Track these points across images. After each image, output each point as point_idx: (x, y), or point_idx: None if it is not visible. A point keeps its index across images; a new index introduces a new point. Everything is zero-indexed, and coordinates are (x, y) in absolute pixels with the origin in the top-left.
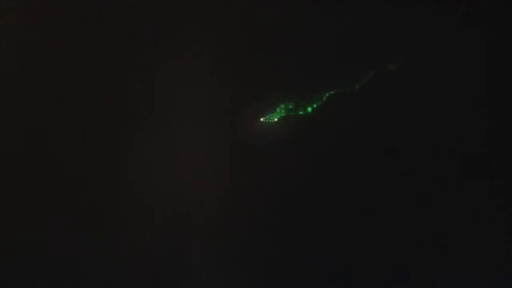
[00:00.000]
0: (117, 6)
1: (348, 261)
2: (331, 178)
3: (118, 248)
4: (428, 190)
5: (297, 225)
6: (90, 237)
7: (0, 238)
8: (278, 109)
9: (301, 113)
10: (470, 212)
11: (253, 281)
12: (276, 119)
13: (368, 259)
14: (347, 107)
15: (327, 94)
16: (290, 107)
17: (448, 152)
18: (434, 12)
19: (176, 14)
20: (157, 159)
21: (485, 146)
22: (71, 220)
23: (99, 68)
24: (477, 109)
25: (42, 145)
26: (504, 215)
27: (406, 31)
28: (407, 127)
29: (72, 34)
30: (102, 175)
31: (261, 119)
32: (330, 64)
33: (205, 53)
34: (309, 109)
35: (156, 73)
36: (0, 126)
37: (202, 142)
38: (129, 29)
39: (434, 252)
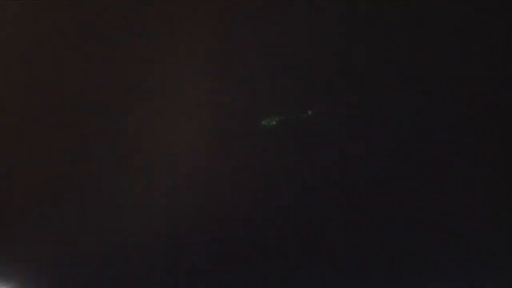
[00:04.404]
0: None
1: (347, 261)
2: (332, 179)
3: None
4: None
5: (297, 226)
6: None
7: None
8: (277, 112)
9: (301, 115)
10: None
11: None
12: (275, 122)
13: (367, 260)
14: (347, 108)
15: (326, 96)
16: (290, 110)
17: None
18: None
19: (177, 14)
20: (156, 161)
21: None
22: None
23: (100, 68)
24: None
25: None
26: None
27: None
28: (412, 127)
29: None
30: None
31: (262, 122)
32: (330, 66)
33: (205, 56)
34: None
35: (154, 75)
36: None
37: (202, 146)
38: (127, 27)
39: (436, 253)
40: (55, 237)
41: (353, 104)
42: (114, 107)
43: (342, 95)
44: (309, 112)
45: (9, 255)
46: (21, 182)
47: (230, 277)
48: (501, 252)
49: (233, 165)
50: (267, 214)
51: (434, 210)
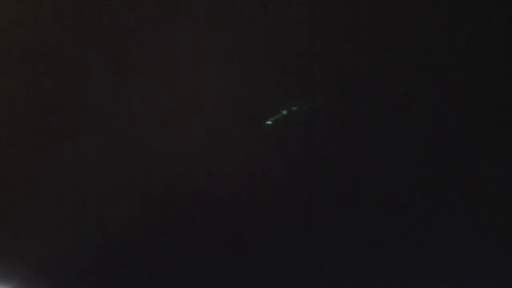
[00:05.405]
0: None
1: (346, 263)
2: (337, 178)
3: None
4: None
5: (298, 226)
6: None
7: None
8: (283, 111)
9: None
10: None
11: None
12: (280, 121)
13: (366, 260)
14: (351, 106)
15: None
16: (295, 109)
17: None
18: None
19: (179, 13)
20: (158, 161)
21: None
22: None
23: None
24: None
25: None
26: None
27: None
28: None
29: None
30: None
31: (266, 122)
32: (335, 63)
33: (208, 55)
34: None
35: (156, 75)
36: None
37: (205, 146)
38: (129, 28)
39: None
40: (55, 237)
41: (354, 103)
42: (114, 107)
43: (343, 94)
44: (306, 107)
45: (9, 255)
46: (21, 181)
47: (229, 277)
48: (501, 253)
49: (234, 165)
50: (268, 214)
51: (436, 210)
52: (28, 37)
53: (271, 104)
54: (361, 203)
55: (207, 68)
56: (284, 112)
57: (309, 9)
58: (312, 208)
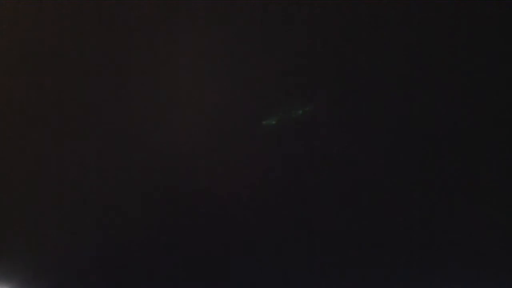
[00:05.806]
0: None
1: (346, 263)
2: (337, 178)
3: None
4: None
5: (298, 226)
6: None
7: None
8: (280, 112)
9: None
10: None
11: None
12: (278, 122)
13: (367, 260)
14: (351, 106)
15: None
16: (292, 109)
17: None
18: None
19: (179, 13)
20: (158, 161)
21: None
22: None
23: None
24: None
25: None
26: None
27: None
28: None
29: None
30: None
31: (263, 122)
32: (332, 64)
33: (208, 55)
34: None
35: (156, 75)
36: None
37: (205, 146)
38: (128, 28)
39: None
40: (55, 237)
41: (354, 103)
42: (114, 107)
43: (343, 94)
44: (306, 109)
45: (9, 255)
46: (21, 181)
47: (229, 277)
48: (501, 253)
49: (234, 165)
50: (268, 214)
51: (436, 210)
52: (28, 37)
53: (271, 104)
54: (361, 203)
55: (207, 68)
56: (284, 112)
57: (309, 9)
58: (312, 208)
